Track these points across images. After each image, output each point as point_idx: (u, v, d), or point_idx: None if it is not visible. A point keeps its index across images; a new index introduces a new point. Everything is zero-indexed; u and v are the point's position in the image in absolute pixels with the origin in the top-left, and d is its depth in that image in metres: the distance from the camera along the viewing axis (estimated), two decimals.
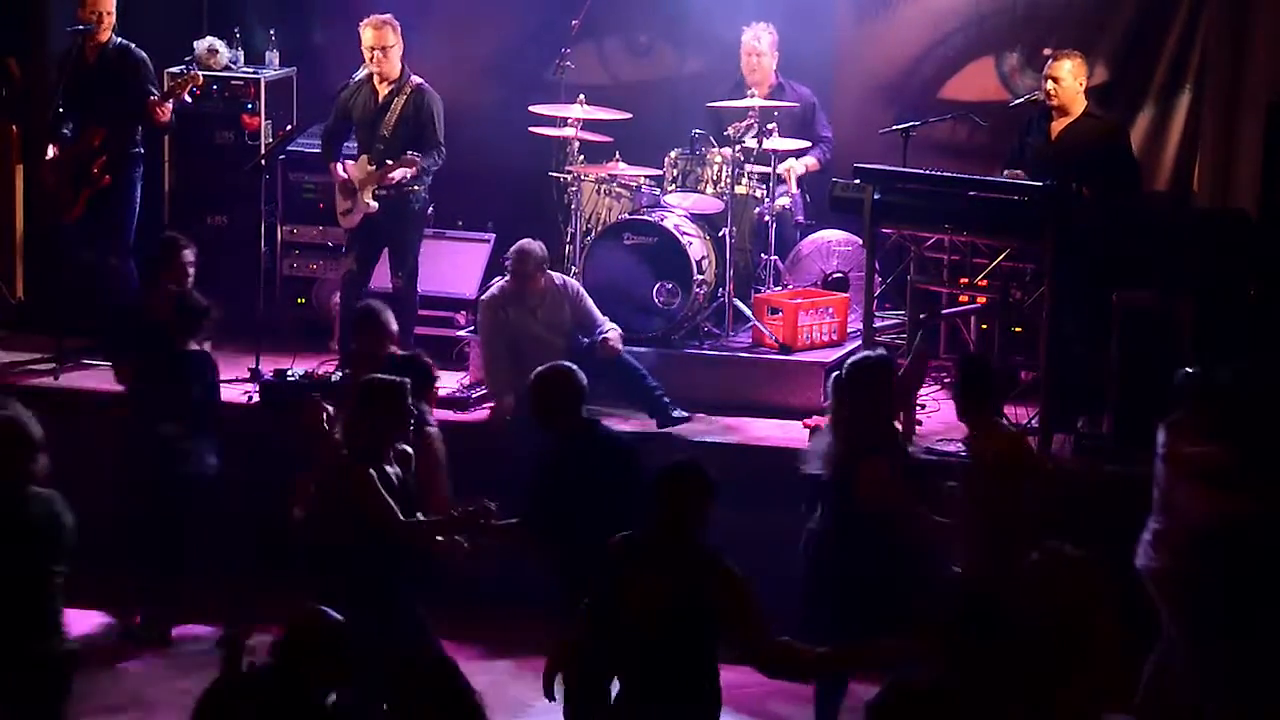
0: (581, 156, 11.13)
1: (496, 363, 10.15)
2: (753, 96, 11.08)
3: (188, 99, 11.08)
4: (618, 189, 11.14)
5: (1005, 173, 10.32)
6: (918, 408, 10.11)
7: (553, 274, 10.29)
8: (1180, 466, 8.05)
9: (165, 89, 11.11)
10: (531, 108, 11.25)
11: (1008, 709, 5.83)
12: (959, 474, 8.22)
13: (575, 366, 8.00)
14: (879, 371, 8.21)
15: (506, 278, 10.27)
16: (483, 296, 10.43)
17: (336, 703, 6.10)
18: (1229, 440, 8.00)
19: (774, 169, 10.95)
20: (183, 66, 11.39)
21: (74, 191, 10.98)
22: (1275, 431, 8.12)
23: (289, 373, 10.48)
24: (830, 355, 10.64)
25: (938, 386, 10.90)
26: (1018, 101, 10.87)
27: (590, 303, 10.31)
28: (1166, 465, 8.11)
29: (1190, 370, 8.30)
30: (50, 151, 11.09)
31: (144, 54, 11.10)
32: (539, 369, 8.01)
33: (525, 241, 10.26)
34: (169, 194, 11.97)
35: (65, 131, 11.03)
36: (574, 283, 10.37)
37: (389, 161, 10.61)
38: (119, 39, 11.09)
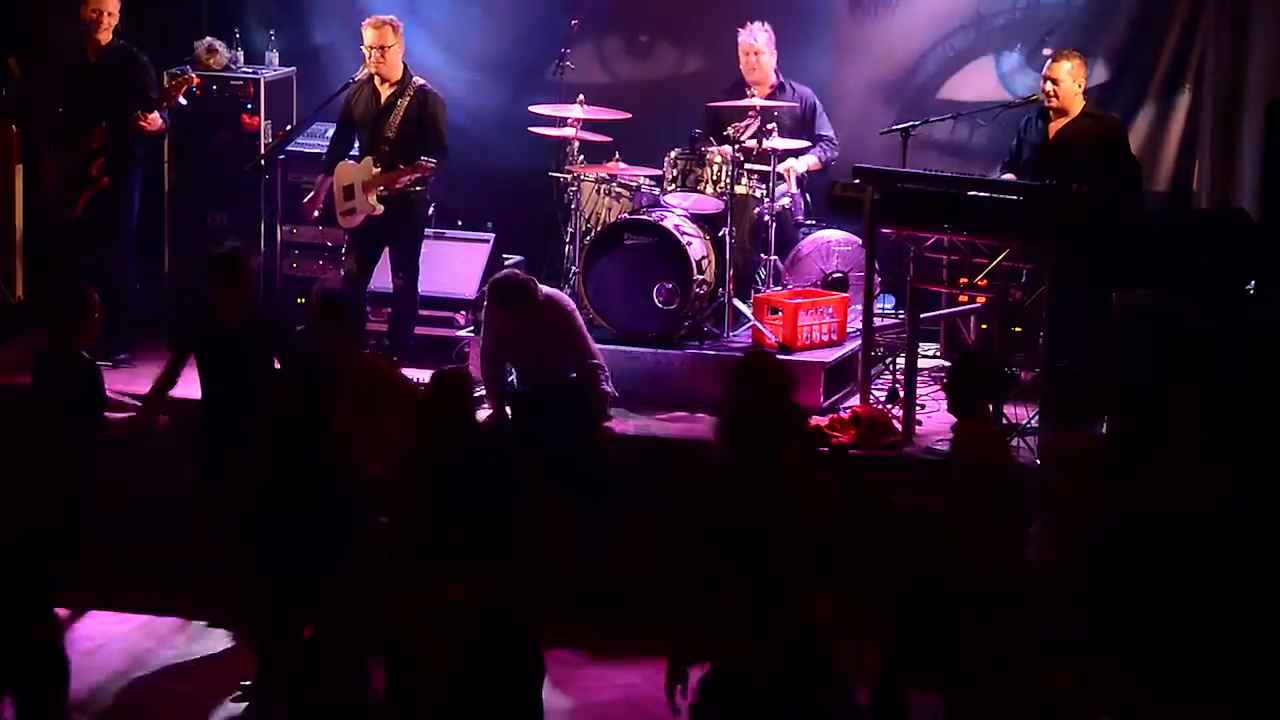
0: (581, 156, 11.13)
1: (489, 366, 10.05)
2: (753, 96, 11.08)
3: (183, 101, 11.08)
4: (618, 189, 11.14)
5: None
6: (918, 407, 10.14)
7: (546, 291, 9.92)
8: (1052, 459, 8.15)
9: (162, 90, 11.12)
10: (531, 108, 11.25)
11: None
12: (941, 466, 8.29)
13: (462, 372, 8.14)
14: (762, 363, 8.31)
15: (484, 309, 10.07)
16: (483, 333, 10.20)
17: None
18: (1088, 431, 8.10)
19: (774, 169, 10.95)
20: (179, 68, 11.41)
21: (74, 192, 10.98)
22: (1137, 419, 8.21)
23: None
24: (830, 355, 10.64)
25: (937, 386, 10.92)
26: (1018, 102, 10.87)
27: (580, 327, 9.93)
28: (1041, 460, 8.19)
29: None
30: (51, 152, 11.09)
31: (146, 56, 11.10)
32: (434, 373, 8.09)
33: (497, 276, 10.00)
34: (169, 194, 11.98)
35: (66, 135, 11.03)
36: (567, 303, 10.00)
37: (401, 166, 10.55)
38: (122, 40, 11.09)
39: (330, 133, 11.11)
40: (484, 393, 10.17)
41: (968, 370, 8.37)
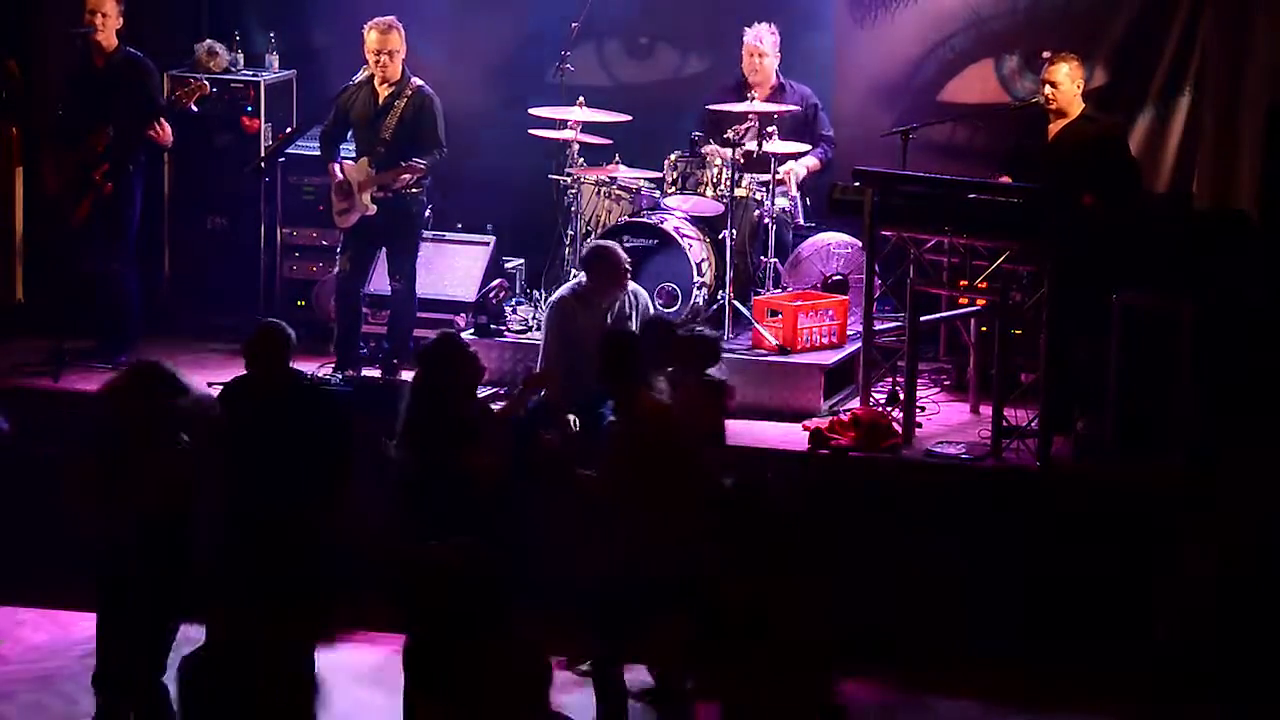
0: (581, 159, 11.13)
1: (547, 365, 9.90)
2: (753, 99, 11.08)
3: (194, 108, 11.08)
4: (617, 191, 11.13)
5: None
6: (918, 409, 10.14)
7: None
8: None
9: (169, 96, 11.11)
10: (531, 110, 11.24)
11: None
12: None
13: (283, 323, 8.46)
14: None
15: (582, 278, 9.98)
16: (551, 297, 10.18)
17: None
18: None
19: (773, 171, 10.95)
20: (190, 75, 11.42)
21: (77, 198, 10.97)
22: None
23: None
24: (830, 358, 10.63)
25: (937, 389, 10.92)
26: (1018, 104, 10.87)
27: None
28: None
29: None
30: (54, 158, 11.08)
31: (152, 64, 11.09)
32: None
33: (607, 242, 10.12)
34: (168, 196, 11.97)
35: (69, 141, 11.03)
36: (645, 295, 10.09)
37: (400, 163, 10.54)
38: (128, 48, 11.08)
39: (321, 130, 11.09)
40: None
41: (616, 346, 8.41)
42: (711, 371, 9.16)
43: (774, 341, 10.68)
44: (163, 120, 10.92)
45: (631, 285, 9.99)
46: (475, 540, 6.45)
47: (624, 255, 9.89)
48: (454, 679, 6.05)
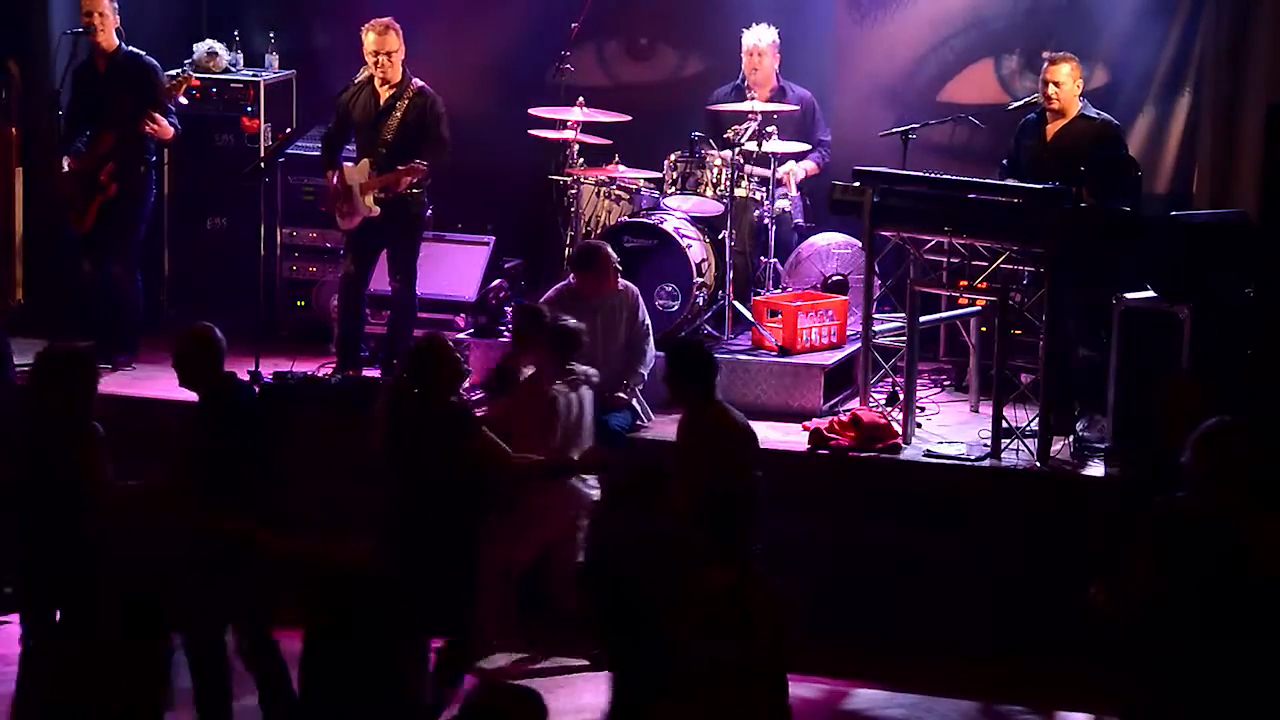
0: (581, 159, 11.13)
1: None
2: (753, 99, 11.09)
3: (184, 100, 11.09)
4: (617, 192, 11.14)
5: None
6: (918, 409, 10.14)
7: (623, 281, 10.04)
8: None
9: (163, 91, 11.12)
10: (531, 110, 11.25)
11: None
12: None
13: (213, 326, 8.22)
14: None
15: (570, 278, 10.00)
16: (543, 299, 10.10)
17: None
18: None
19: (773, 172, 10.95)
20: (179, 69, 11.42)
21: (85, 204, 10.96)
22: None
23: (289, 375, 10.49)
24: (830, 358, 10.63)
25: (937, 389, 10.92)
26: (1017, 104, 10.87)
27: (645, 316, 10.04)
28: None
29: None
30: (66, 164, 11.07)
31: (155, 62, 11.09)
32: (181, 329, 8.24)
33: (597, 242, 10.15)
34: (169, 197, 11.98)
35: (79, 145, 11.03)
36: (635, 289, 10.08)
37: (400, 167, 10.53)
38: (129, 48, 11.08)
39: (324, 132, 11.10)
40: None
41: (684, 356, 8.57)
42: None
43: (774, 342, 10.68)
44: (157, 115, 10.91)
45: (622, 282, 9.98)
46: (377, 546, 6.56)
47: (614, 255, 9.88)
48: (345, 680, 6.06)
